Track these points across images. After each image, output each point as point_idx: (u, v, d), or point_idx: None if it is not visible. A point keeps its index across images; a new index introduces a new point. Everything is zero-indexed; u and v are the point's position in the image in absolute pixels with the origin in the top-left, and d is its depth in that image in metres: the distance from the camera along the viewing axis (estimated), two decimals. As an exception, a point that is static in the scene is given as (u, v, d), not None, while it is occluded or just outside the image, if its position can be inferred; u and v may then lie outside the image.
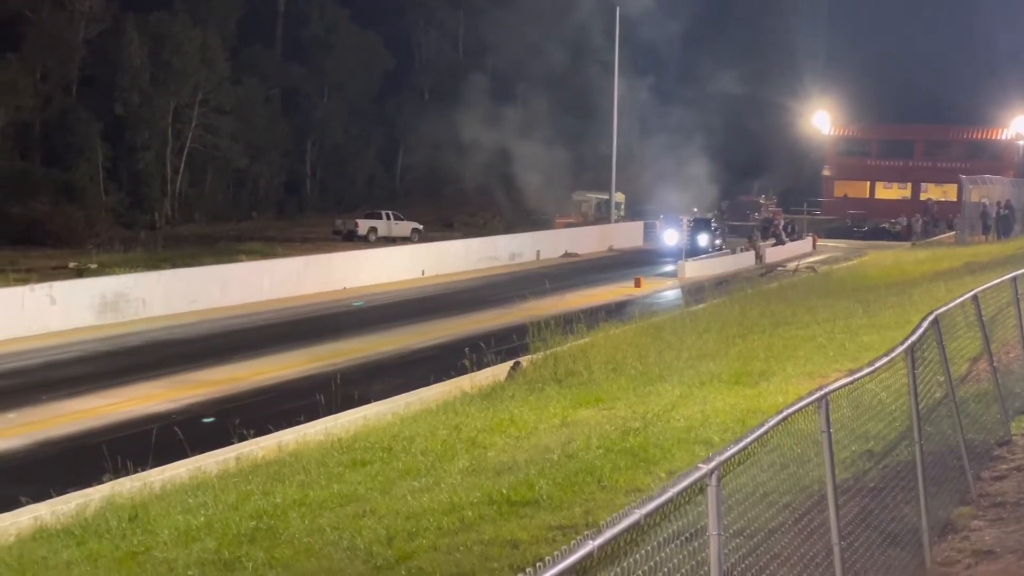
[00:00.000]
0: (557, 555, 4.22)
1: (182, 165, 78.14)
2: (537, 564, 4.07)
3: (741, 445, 6.29)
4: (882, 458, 10.02)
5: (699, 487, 5.67)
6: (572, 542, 4.38)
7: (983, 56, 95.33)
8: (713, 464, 5.75)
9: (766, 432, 6.75)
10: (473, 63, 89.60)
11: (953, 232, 69.49)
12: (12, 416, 23.36)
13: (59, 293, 35.40)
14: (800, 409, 7.35)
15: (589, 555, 4.39)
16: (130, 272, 41.71)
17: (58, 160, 72.45)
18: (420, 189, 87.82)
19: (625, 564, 5.11)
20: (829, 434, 7.67)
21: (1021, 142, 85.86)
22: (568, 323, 29.47)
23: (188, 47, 75.84)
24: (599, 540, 4.48)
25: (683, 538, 5.77)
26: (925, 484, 10.04)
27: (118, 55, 73.97)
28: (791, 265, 55.80)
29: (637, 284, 47.25)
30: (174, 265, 45.04)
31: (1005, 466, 12.71)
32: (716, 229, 63.12)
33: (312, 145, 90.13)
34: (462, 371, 24.74)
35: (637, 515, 4.84)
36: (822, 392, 7.69)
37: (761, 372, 21.44)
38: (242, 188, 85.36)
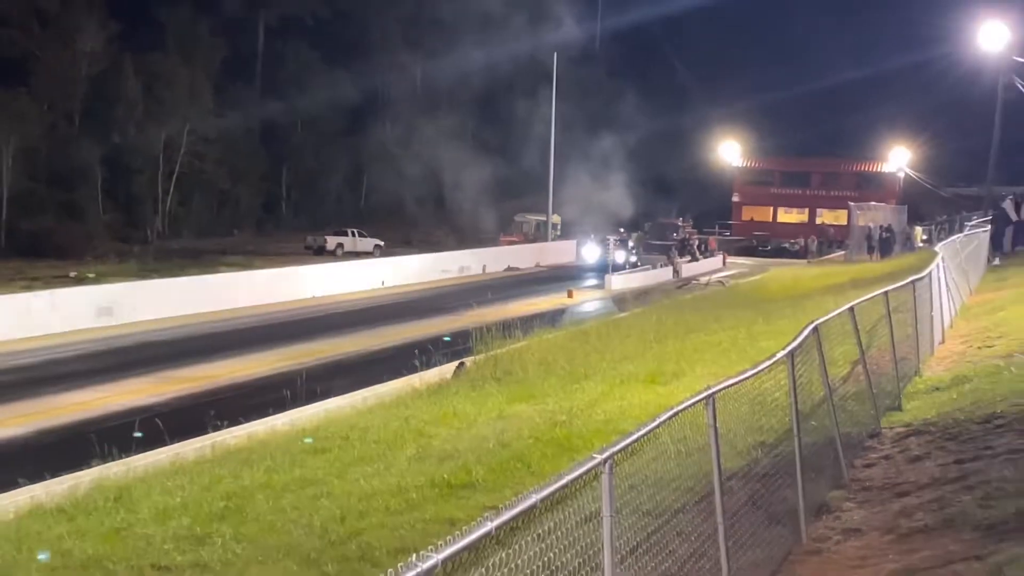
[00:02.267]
0: (458, 534, 4.24)
1: (172, 187, 77.57)
2: (439, 543, 4.09)
3: (633, 438, 6.31)
4: (772, 448, 10.08)
5: (594, 474, 5.71)
6: (473, 523, 4.41)
7: (871, 98, 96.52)
8: (606, 455, 5.76)
9: (657, 427, 6.79)
10: (429, 100, 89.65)
11: (843, 252, 70.17)
12: (15, 407, 23.17)
13: (60, 299, 35.14)
14: (689, 407, 7.42)
15: (487, 535, 4.38)
16: (123, 281, 41.48)
17: (62, 181, 71.75)
18: (382, 210, 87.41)
19: (543, 529, 5.19)
20: (715, 428, 7.72)
21: (900, 174, 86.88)
22: (508, 329, 29.51)
23: (178, 84, 75.37)
24: (497, 521, 4.48)
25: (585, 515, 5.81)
26: (804, 471, 10.13)
27: (116, 90, 73.40)
28: (704, 279, 56.02)
29: (570, 295, 47.18)
30: (163, 275, 44.66)
31: (874, 455, 12.85)
32: (632, 248, 63.20)
33: (287, 170, 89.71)
34: (414, 370, 24.66)
35: (534, 499, 4.87)
36: (709, 392, 7.75)
37: (673, 373, 21.57)
38: (225, 207, 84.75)
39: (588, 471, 5.61)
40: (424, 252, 62.01)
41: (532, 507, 4.86)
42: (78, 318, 34.57)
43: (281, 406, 21.12)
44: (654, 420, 6.85)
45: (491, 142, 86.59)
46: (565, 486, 5.28)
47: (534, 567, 5.09)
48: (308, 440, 16.78)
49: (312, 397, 22.08)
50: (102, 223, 70.54)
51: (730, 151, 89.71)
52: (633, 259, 61.45)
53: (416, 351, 25.83)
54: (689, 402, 7.48)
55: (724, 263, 67.54)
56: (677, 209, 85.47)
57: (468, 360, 25.79)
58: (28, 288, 39.50)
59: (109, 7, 74.32)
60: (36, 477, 15.62)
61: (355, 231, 71.63)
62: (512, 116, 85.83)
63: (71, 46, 73.70)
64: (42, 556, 11.47)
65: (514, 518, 4.70)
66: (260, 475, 14.82)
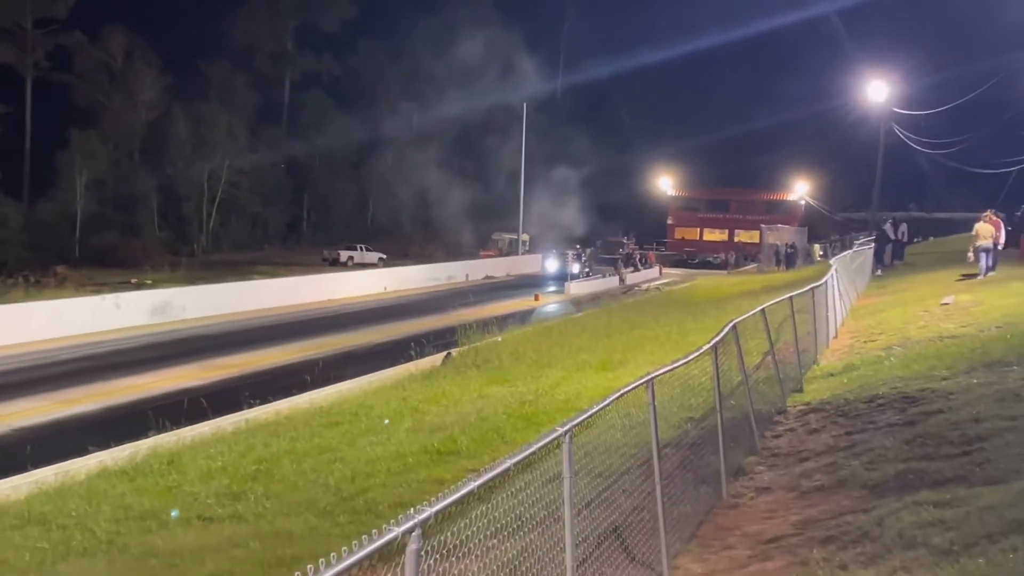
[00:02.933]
0: (447, 492, 4.24)
1: (214, 210, 77.12)
2: (431, 499, 4.10)
3: (588, 414, 6.30)
4: (699, 422, 10.10)
5: (556, 443, 5.72)
6: (458, 482, 4.42)
7: (779, 140, 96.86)
8: (566, 427, 5.75)
9: (606, 406, 6.78)
10: (421, 138, 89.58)
11: (756, 264, 70.42)
12: (87, 388, 23.03)
13: (123, 301, 34.91)
14: (633, 389, 7.41)
15: (471, 492, 4.37)
16: (174, 286, 41.23)
17: (124, 206, 71.32)
18: (384, 228, 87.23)
19: (515, 488, 5.20)
20: (654, 407, 7.72)
21: (802, 201, 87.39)
22: (486, 325, 29.50)
23: (219, 127, 74.94)
24: (479, 481, 4.48)
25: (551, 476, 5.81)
26: (725, 441, 10.13)
27: (168, 132, 73.05)
28: (644, 286, 56.05)
29: (536, 298, 47.13)
30: (206, 281, 44.39)
31: (781, 428, 12.88)
32: (585, 261, 63.30)
33: (307, 196, 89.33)
34: (410, 359, 24.65)
35: (508, 463, 4.86)
36: (649, 377, 7.76)
37: (620, 361, 21.58)
38: (257, 227, 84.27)
39: (552, 440, 5.61)
40: (418, 263, 61.81)
41: (506, 470, 4.86)
42: (137, 316, 34.43)
43: (302, 388, 21.09)
44: (605, 399, 6.86)
45: (472, 172, 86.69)
46: (533, 453, 5.28)
47: (508, 519, 5.10)
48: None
49: (327, 381, 22.03)
50: (157, 240, 70.04)
51: (665, 183, 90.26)
52: (587, 270, 61.48)
53: (412, 343, 25.79)
54: (633, 385, 7.48)
55: (660, 273, 67.54)
56: (622, 229, 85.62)
57: (454, 351, 25.76)
58: (97, 292, 39.17)
59: (163, 63, 74.17)
60: (103, 445, 15.55)
61: (362, 246, 71.40)
62: (488, 151, 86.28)
63: (132, 96, 73.54)
64: (174, 513, 11.37)
65: (492, 479, 4.70)
66: (285, 443, 14.78)
